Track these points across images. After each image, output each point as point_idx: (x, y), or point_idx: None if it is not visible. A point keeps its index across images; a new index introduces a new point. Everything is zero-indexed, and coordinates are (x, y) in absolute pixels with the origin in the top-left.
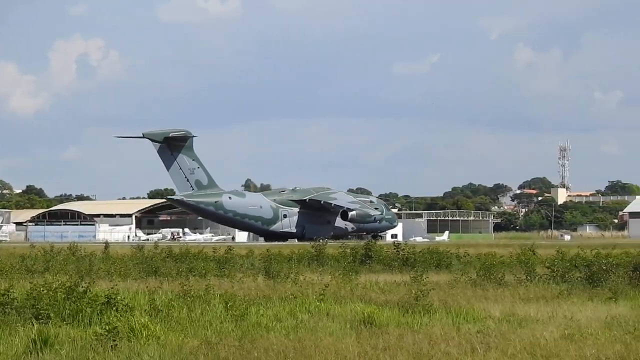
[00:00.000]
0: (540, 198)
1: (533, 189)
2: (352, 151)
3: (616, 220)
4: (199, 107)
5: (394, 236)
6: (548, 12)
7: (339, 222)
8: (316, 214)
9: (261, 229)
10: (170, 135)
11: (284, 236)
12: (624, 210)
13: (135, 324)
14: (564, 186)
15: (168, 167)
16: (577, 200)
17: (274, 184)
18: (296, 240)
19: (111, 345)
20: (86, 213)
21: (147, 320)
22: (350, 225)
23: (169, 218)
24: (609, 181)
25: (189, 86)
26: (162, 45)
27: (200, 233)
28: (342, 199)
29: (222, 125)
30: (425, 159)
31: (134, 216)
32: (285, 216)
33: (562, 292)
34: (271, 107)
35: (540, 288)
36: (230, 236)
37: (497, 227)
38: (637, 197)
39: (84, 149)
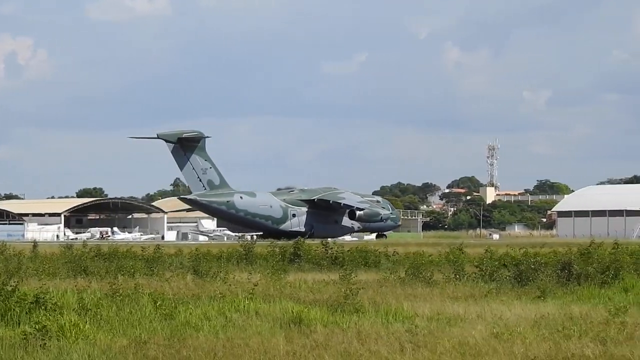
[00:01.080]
0: (468, 197)
1: (462, 188)
2: (279, 151)
3: (544, 220)
4: (126, 107)
5: None
6: (475, 12)
7: (346, 221)
8: (324, 213)
9: (271, 228)
10: (183, 136)
11: (293, 235)
12: (552, 210)
13: (64, 323)
14: (492, 185)
15: (181, 167)
16: (505, 200)
17: None
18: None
19: (40, 345)
20: (14, 212)
21: (76, 319)
22: (356, 225)
23: (97, 217)
24: (537, 180)
25: (117, 85)
26: (90, 44)
27: (129, 232)
28: (350, 199)
29: (150, 124)
30: (353, 158)
31: (62, 215)
32: (294, 215)
33: (491, 291)
34: (199, 106)
35: (469, 287)
36: (160, 235)
37: (426, 226)
38: (566, 196)
39: (12, 148)
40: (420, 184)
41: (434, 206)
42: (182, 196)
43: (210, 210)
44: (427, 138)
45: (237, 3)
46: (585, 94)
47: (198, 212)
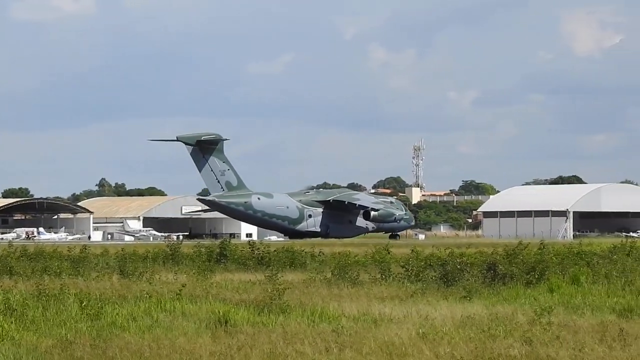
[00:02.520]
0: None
1: (387, 188)
2: None
3: (470, 220)
4: (51, 106)
5: (249, 235)
6: (401, 12)
7: (360, 221)
8: (339, 213)
9: (288, 228)
10: (202, 139)
11: (309, 235)
12: (478, 210)
13: None
14: (418, 186)
15: (200, 169)
16: (431, 200)
17: (129, 184)
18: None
19: None
20: None
21: (1, 319)
22: (371, 225)
23: (23, 217)
24: (462, 181)
25: (41, 85)
26: (16, 44)
27: (55, 232)
28: (365, 199)
29: (77, 125)
30: (279, 158)
31: None
32: (310, 216)
33: (417, 291)
34: (124, 107)
35: (395, 287)
36: (86, 235)
37: None
38: (491, 196)
39: None
40: (345, 184)
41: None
42: (200, 197)
43: (228, 211)
44: (353, 138)
45: (162, 2)
46: (510, 95)
47: (124, 212)
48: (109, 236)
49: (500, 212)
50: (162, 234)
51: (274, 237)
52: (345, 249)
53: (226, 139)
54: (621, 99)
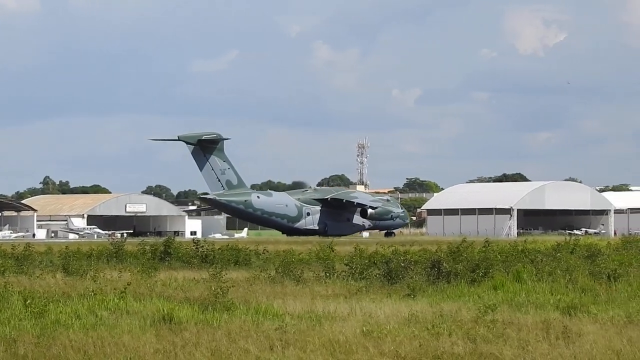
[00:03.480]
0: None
1: (332, 186)
2: (150, 148)
3: (414, 218)
4: None
5: (193, 233)
6: (346, 11)
7: (357, 219)
8: (336, 211)
9: (287, 226)
10: (203, 138)
11: (308, 233)
12: (422, 208)
13: None
14: (362, 183)
15: (201, 167)
16: None
17: (73, 181)
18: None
19: None
20: None
21: None
22: (367, 223)
23: None
24: (406, 178)
25: None
26: None
27: None
28: (363, 197)
29: (20, 122)
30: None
31: None
32: (308, 214)
33: (361, 289)
34: (69, 104)
35: (339, 285)
36: (30, 233)
37: None
38: (435, 194)
39: None
40: (290, 182)
41: None
42: (201, 196)
43: (228, 209)
44: (297, 136)
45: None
46: (454, 93)
47: (68, 210)
48: (53, 234)
49: (445, 210)
50: (106, 232)
51: (219, 235)
52: (289, 247)
53: (227, 139)
54: (565, 97)
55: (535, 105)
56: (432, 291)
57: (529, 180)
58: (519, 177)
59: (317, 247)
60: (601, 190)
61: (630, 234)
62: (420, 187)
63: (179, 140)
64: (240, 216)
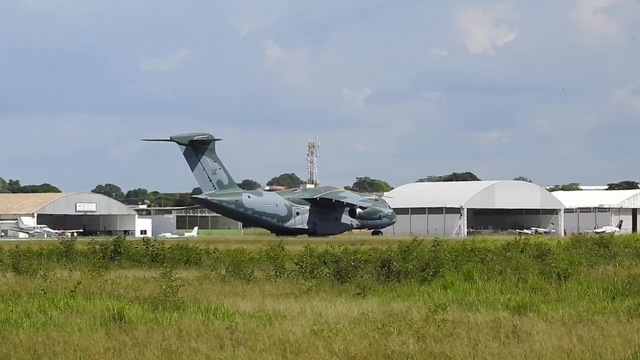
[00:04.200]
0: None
1: (282, 185)
2: (99, 147)
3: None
4: None
5: (143, 232)
6: (296, 10)
7: (345, 218)
8: (325, 211)
9: (277, 225)
10: (195, 139)
11: (297, 232)
12: None
13: None
14: (312, 182)
15: (192, 168)
16: None
17: (23, 180)
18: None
19: None
20: None
21: None
22: (355, 222)
23: None
24: (357, 178)
25: None
26: None
27: None
28: (352, 197)
29: None
30: (173, 155)
31: None
32: (298, 214)
33: (311, 288)
34: (19, 103)
35: (289, 284)
36: None
37: None
38: (385, 193)
39: None
40: (240, 181)
41: None
42: (193, 196)
43: (220, 209)
44: (248, 135)
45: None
46: (404, 92)
47: (18, 209)
48: (3, 233)
49: (394, 209)
50: (56, 230)
51: (169, 234)
52: (240, 246)
53: (218, 139)
54: (515, 96)
55: (486, 104)
56: (382, 290)
57: (479, 180)
58: (469, 177)
59: (267, 246)
60: (551, 190)
61: (580, 233)
62: (370, 186)
63: (171, 140)
64: (232, 216)
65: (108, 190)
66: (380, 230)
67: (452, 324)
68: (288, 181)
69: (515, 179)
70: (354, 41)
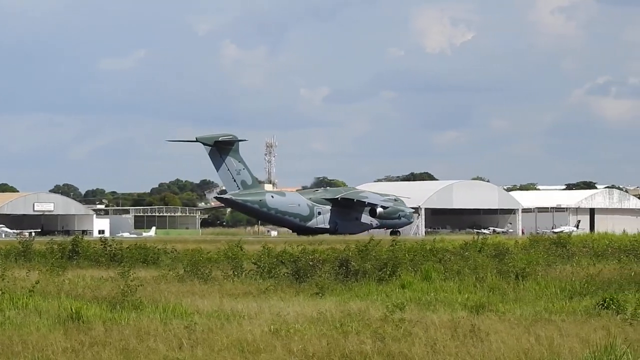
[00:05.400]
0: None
1: None
2: (57, 147)
3: None
4: None
5: (101, 232)
6: (253, 9)
7: (365, 218)
8: (346, 211)
9: (299, 225)
10: (220, 139)
11: (319, 232)
12: None
13: None
14: (270, 182)
15: (217, 168)
16: None
17: None
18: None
19: None
20: None
21: None
22: (375, 222)
23: None
24: (315, 177)
25: None
26: None
27: None
28: (373, 197)
29: None
30: (131, 155)
31: None
32: (319, 213)
33: (269, 287)
34: None
35: (247, 284)
36: None
37: (205, 223)
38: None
39: None
40: (198, 181)
41: (213, 203)
42: (217, 195)
43: (244, 208)
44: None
45: None
46: (362, 92)
47: None
48: None
49: None
50: (14, 230)
51: (127, 234)
52: (197, 245)
53: (243, 140)
54: (472, 96)
55: (443, 104)
56: (341, 290)
57: (437, 179)
58: (426, 176)
59: (225, 245)
60: (509, 190)
61: (537, 233)
62: (328, 186)
63: (196, 141)
64: (255, 215)
65: (66, 190)
66: (399, 230)
67: (410, 324)
68: None
69: (473, 179)
70: (311, 40)
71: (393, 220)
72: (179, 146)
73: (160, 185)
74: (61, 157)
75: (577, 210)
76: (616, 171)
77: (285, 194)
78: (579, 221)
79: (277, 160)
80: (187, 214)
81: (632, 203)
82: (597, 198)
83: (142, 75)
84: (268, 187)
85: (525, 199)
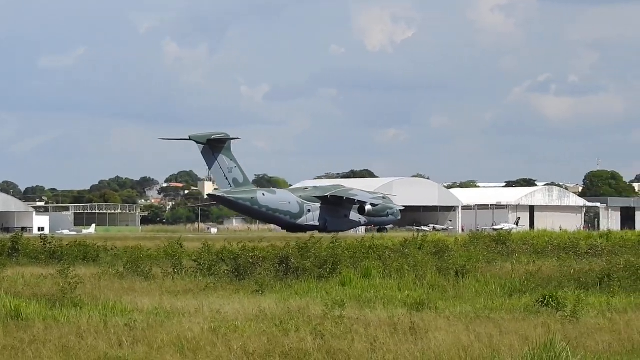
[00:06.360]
0: (187, 191)
1: (180, 182)
2: None
3: None
4: None
5: (41, 229)
6: (194, 7)
7: (354, 215)
8: (335, 208)
9: (289, 222)
10: (212, 138)
11: (309, 229)
12: None
13: None
14: (210, 180)
15: (210, 166)
16: None
17: None
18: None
19: None
20: None
21: None
22: (363, 219)
23: None
24: (255, 175)
25: None
26: None
27: None
28: (362, 195)
29: None
30: (71, 152)
31: None
32: (309, 211)
33: (209, 285)
34: None
35: (187, 281)
36: None
37: (145, 220)
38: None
39: None
40: (138, 178)
41: (153, 200)
42: (210, 193)
43: (236, 206)
44: (146, 132)
45: None
46: (303, 89)
47: None
48: None
49: None
50: None
51: (66, 231)
52: (138, 243)
53: (235, 138)
54: (413, 94)
55: (384, 101)
56: (281, 287)
57: (377, 177)
58: (367, 174)
59: (165, 243)
60: (449, 187)
61: (477, 230)
62: (268, 183)
63: (189, 140)
64: (247, 213)
65: (5, 187)
66: (386, 227)
67: (350, 321)
68: (186, 178)
69: (414, 176)
70: (252, 38)
71: (381, 217)
72: (120, 143)
73: (100, 182)
74: (1, 155)
75: (517, 208)
76: (556, 169)
77: (276, 191)
78: (518, 218)
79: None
80: (127, 211)
81: (572, 200)
82: (536, 195)
83: (83, 72)
84: (208, 184)
85: (465, 197)
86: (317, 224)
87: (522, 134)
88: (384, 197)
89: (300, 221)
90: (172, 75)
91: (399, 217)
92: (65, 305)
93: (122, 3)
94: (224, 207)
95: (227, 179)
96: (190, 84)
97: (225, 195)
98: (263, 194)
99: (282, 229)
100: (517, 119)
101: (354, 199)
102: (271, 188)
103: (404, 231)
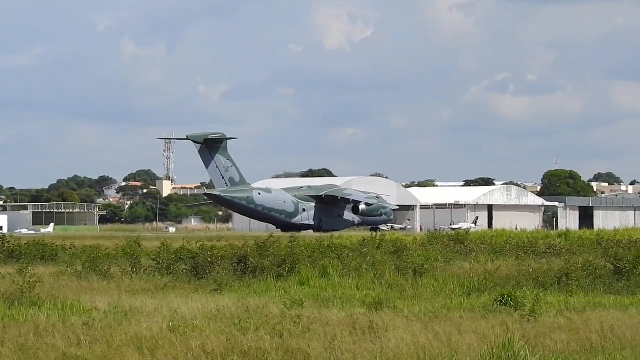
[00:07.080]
0: (145, 190)
1: (138, 181)
2: None
3: (221, 213)
4: None
5: None
6: (151, 5)
7: (348, 215)
8: (330, 207)
9: (284, 221)
10: (209, 137)
11: (303, 228)
12: None
13: None
14: (169, 179)
15: (207, 165)
16: (182, 193)
17: None
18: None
19: None
20: None
21: None
22: (357, 219)
23: None
24: None
25: None
26: None
27: None
28: (356, 195)
29: None
30: (29, 151)
31: None
32: (304, 210)
33: (168, 284)
34: None
35: (145, 280)
36: None
37: (103, 220)
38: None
39: None
40: (96, 177)
41: (111, 199)
42: (207, 192)
43: (232, 205)
44: (104, 131)
45: None
46: (261, 88)
47: None
48: None
49: None
50: None
51: (25, 231)
52: (96, 242)
53: (232, 138)
54: (371, 93)
55: (342, 100)
56: (239, 286)
57: (335, 176)
58: (325, 173)
59: (124, 242)
60: (407, 186)
61: (436, 230)
62: None
63: (187, 139)
64: (243, 212)
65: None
66: (379, 227)
67: (309, 320)
68: (145, 177)
69: (372, 175)
70: (210, 37)
71: (374, 217)
72: (78, 142)
73: (59, 181)
74: None
75: (475, 207)
76: (514, 168)
77: (272, 191)
78: (477, 217)
79: (176, 157)
80: (86, 210)
81: (530, 199)
82: (495, 194)
83: (40, 71)
84: (167, 183)
85: (424, 196)
86: (312, 223)
87: (480, 133)
88: (377, 197)
89: (295, 220)
90: (130, 74)
91: (392, 217)
92: (24, 304)
93: (79, 2)
94: (220, 205)
95: (223, 178)
96: (148, 83)
97: (222, 194)
98: (259, 193)
99: (277, 228)
100: (475, 118)
101: (349, 199)
102: (267, 187)
103: (362, 230)
